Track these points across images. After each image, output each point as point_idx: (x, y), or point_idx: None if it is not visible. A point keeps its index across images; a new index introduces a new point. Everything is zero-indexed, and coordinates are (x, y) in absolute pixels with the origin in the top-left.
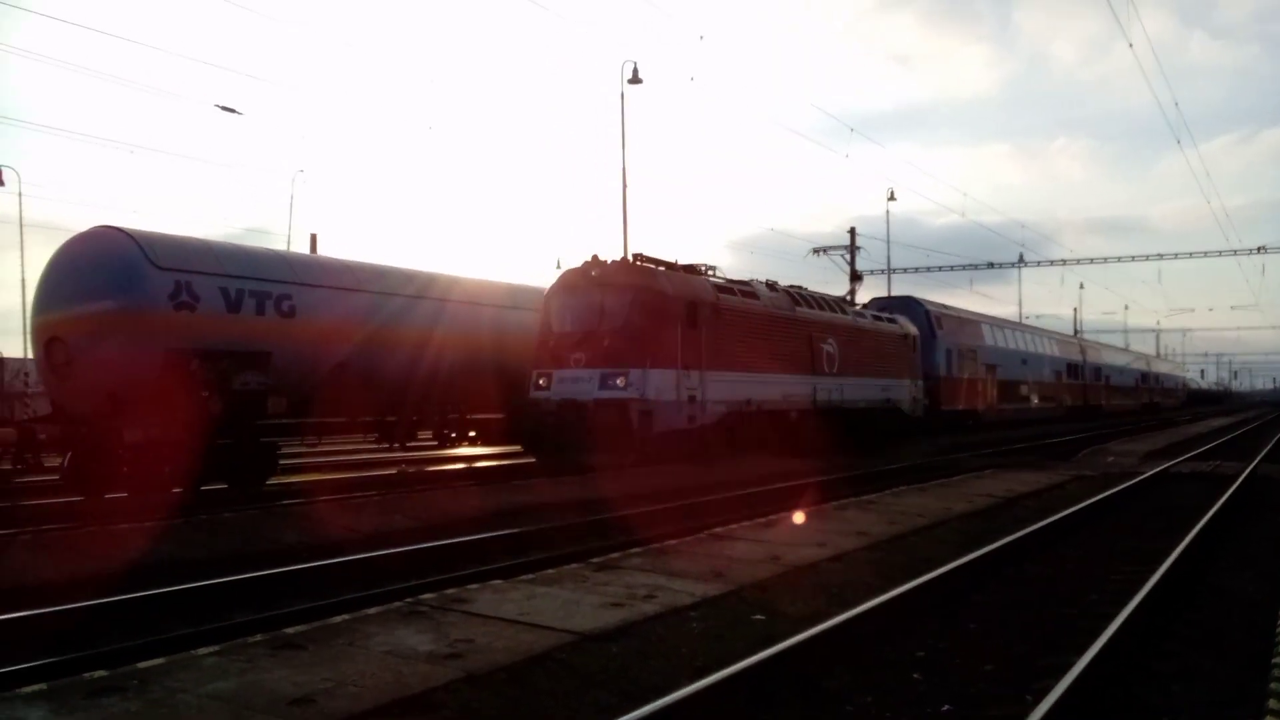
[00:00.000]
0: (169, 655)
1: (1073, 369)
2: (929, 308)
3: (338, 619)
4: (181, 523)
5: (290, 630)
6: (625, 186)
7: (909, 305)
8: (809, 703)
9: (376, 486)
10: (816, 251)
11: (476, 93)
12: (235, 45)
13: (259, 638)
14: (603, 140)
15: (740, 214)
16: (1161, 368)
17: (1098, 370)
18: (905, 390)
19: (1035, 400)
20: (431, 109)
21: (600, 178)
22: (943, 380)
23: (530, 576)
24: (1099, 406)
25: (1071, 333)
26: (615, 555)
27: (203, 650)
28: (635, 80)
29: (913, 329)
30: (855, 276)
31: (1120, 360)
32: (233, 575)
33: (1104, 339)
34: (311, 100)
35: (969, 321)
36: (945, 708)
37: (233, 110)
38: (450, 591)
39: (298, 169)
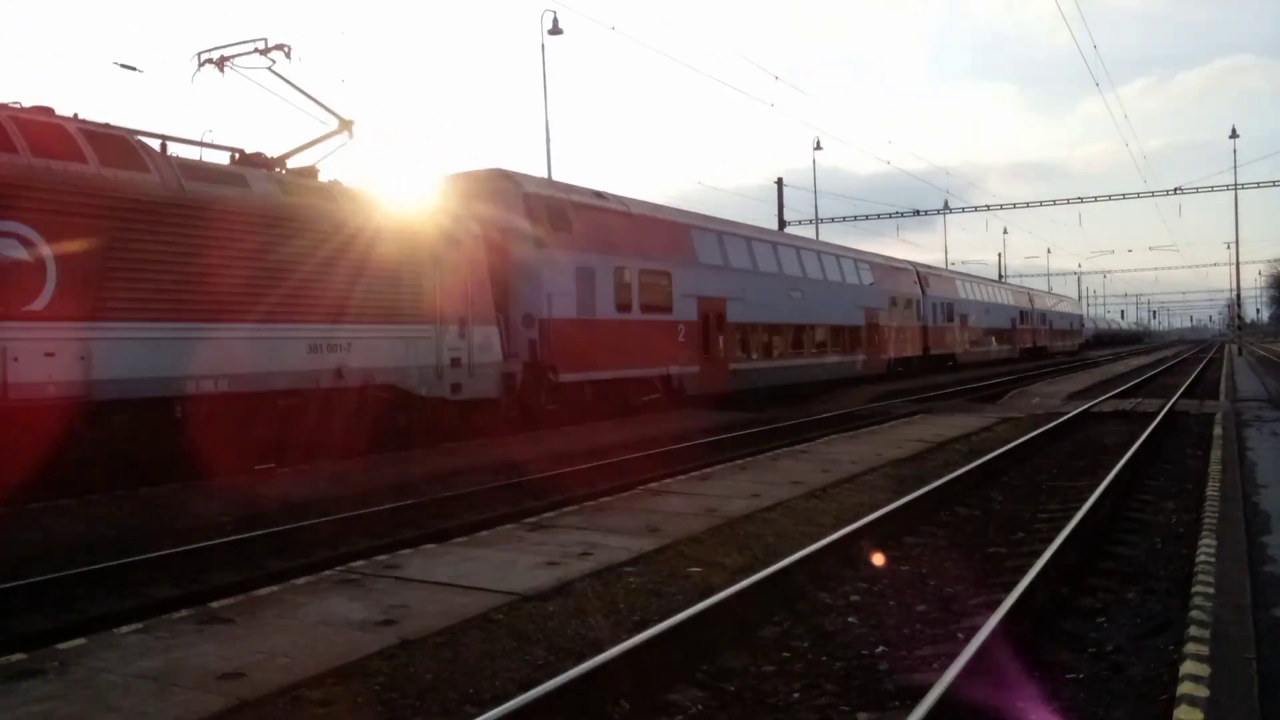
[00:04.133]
0: (90, 635)
1: (902, 305)
2: (530, 188)
3: (266, 590)
4: (98, 498)
5: (217, 604)
6: (549, 141)
7: (494, 185)
8: (747, 650)
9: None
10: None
11: (390, 44)
12: None
13: (184, 613)
14: (525, 93)
15: (666, 167)
16: (1052, 304)
17: (948, 308)
18: (422, 348)
19: (823, 353)
20: (344, 61)
21: (523, 133)
22: (557, 325)
23: (464, 539)
24: (949, 355)
25: (996, 278)
26: (550, 515)
27: (125, 629)
28: (555, 31)
29: (471, 226)
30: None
31: (984, 294)
32: (155, 551)
33: (1029, 284)
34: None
35: (652, 222)
36: (880, 649)
37: (132, 68)
38: (382, 558)
39: (206, 129)
